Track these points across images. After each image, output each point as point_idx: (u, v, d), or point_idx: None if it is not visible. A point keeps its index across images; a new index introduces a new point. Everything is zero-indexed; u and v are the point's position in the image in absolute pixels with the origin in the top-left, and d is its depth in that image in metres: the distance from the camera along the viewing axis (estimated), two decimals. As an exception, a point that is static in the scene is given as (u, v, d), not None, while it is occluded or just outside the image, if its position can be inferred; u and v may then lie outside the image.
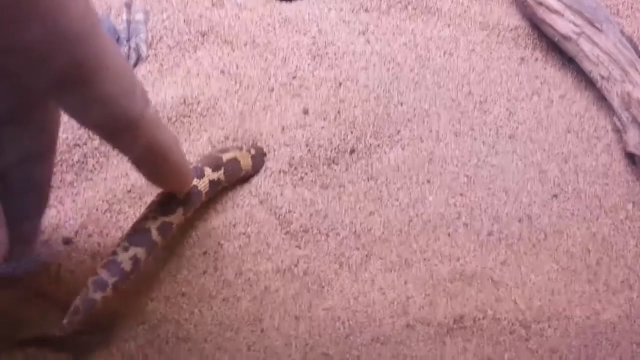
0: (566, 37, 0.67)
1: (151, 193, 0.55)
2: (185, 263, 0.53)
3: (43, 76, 0.36)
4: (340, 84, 0.64)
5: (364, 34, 0.69)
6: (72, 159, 0.56)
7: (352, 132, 0.61)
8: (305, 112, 0.61)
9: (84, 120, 0.40)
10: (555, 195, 0.60)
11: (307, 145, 0.59)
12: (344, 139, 0.60)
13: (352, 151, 0.60)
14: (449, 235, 0.56)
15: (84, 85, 0.36)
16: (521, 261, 0.56)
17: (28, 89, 0.40)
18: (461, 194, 0.59)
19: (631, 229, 0.58)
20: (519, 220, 0.58)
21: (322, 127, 0.61)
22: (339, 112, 0.62)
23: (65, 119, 0.47)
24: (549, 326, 0.52)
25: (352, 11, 0.71)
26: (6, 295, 0.49)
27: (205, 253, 0.53)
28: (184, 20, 0.68)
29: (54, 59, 0.34)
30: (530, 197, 0.59)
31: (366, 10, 0.71)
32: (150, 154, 0.42)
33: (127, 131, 0.39)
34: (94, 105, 0.37)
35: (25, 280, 0.49)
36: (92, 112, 0.38)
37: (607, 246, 0.57)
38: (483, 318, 0.52)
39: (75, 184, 0.55)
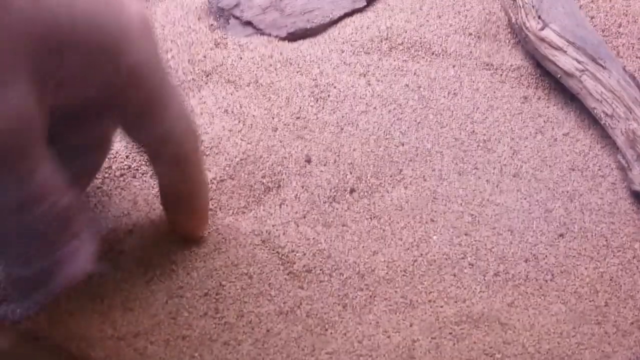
0: (569, 74, 0.67)
1: (153, 235, 0.55)
2: (186, 305, 0.52)
3: (116, 111, 0.43)
4: (341, 129, 0.64)
5: (364, 75, 0.69)
6: (74, 200, 0.56)
7: (351, 173, 0.61)
8: (308, 160, 0.61)
9: (141, 145, 0.47)
10: (562, 235, 0.59)
11: (302, 187, 0.59)
12: (343, 179, 0.60)
13: (352, 190, 0.60)
14: (454, 275, 0.56)
15: (149, 122, 0.44)
16: (529, 302, 0.54)
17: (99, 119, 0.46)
18: (466, 234, 0.58)
19: (639, 268, 0.57)
20: (526, 260, 0.57)
21: (322, 171, 0.60)
22: (338, 155, 0.62)
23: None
24: (559, 370, 0.50)
25: (353, 53, 0.71)
26: (3, 338, 0.48)
27: (206, 294, 0.52)
28: (188, 60, 0.69)
29: (130, 99, 0.42)
30: (536, 237, 0.59)
31: (367, 52, 0.71)
32: (180, 191, 0.49)
33: (173, 163, 0.47)
34: (153, 139, 0.46)
35: (23, 323, 0.49)
36: (151, 144, 0.46)
37: (615, 286, 0.56)
38: (491, 362, 0.51)
39: (76, 225, 0.55)
